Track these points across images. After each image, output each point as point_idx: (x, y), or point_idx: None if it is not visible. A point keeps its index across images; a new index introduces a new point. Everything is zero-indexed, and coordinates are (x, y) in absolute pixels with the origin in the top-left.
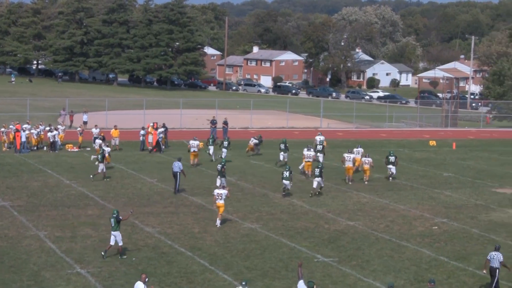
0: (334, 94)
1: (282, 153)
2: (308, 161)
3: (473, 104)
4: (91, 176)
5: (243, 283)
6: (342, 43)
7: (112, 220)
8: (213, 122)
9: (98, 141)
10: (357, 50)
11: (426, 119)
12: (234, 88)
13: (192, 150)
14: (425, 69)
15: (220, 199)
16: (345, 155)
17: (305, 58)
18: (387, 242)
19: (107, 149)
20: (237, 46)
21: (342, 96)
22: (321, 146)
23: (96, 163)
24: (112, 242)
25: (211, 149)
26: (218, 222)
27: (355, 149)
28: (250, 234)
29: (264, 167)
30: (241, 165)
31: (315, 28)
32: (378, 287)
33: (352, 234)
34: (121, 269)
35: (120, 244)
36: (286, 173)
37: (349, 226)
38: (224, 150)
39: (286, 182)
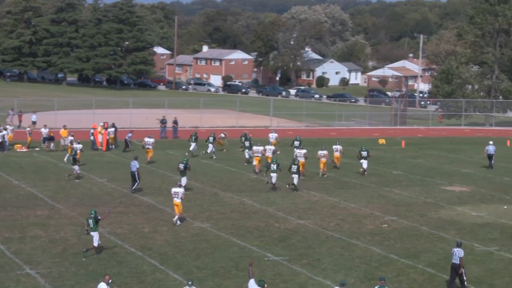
0: (283, 93)
1: (247, 150)
2: (257, 156)
3: (422, 103)
4: (66, 176)
5: (189, 282)
6: (292, 42)
7: (91, 220)
8: (163, 122)
9: (70, 138)
10: (306, 49)
11: (375, 118)
12: (184, 87)
13: (146, 147)
14: (374, 68)
15: (177, 197)
16: (319, 152)
17: (255, 57)
18: (337, 241)
19: (79, 146)
20: (186, 45)
21: (292, 94)
22: (299, 142)
23: (70, 164)
24: (95, 243)
25: (193, 145)
26: (177, 221)
27: (334, 146)
28: (200, 233)
29: (215, 166)
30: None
31: (265, 27)
32: (329, 285)
33: (302, 233)
34: (71, 269)
35: (95, 244)
36: (274, 166)
37: (300, 225)
38: (192, 144)
39: (273, 174)
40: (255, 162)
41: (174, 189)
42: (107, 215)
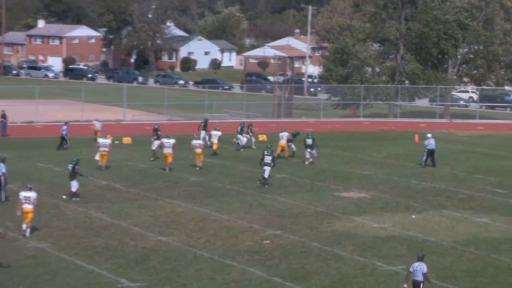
0: (140, 79)
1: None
2: (199, 151)
3: (312, 89)
4: None
5: None
6: (150, 15)
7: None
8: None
9: None
10: (168, 24)
11: (254, 108)
12: (14, 72)
13: None
14: (253, 47)
15: (28, 203)
16: (194, 142)
17: (104, 34)
18: (208, 261)
19: None
20: (17, 20)
21: (151, 81)
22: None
23: None
24: None
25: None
26: (27, 231)
27: (280, 134)
28: (37, 255)
29: (54, 170)
30: (25, 169)
31: None
32: None
33: (164, 252)
34: None
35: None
36: (269, 159)
37: (161, 243)
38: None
39: (266, 168)
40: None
41: (24, 194)
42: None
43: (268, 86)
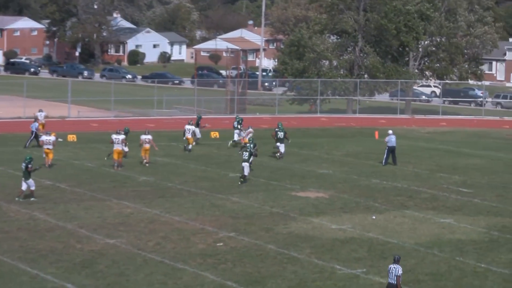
0: (85, 73)
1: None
2: (147, 146)
3: (266, 84)
4: None
5: None
6: (95, 6)
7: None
8: None
9: None
10: (115, 15)
11: (206, 104)
12: None
13: None
14: (204, 39)
15: None
16: (143, 136)
17: (47, 26)
18: (158, 265)
19: None
20: None
21: (97, 75)
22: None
23: None
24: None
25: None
26: None
27: (186, 126)
28: None
29: None
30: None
31: None
32: None
33: (112, 256)
34: None
35: None
36: (246, 155)
37: (109, 245)
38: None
39: (244, 164)
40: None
41: None
42: None
43: (220, 81)
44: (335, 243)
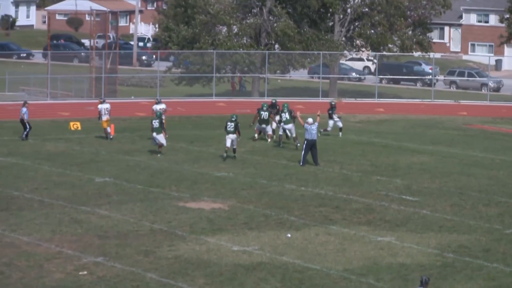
0: None
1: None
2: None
3: (144, 58)
4: None
5: None
6: None
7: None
8: None
9: None
10: None
11: (63, 85)
12: None
13: None
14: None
15: None
16: None
17: None
18: None
19: None
20: None
21: None
22: None
23: None
24: None
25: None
26: None
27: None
28: None
29: None
30: None
31: None
32: None
33: None
34: None
35: None
36: (231, 125)
37: None
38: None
39: (231, 136)
40: None
41: None
42: None
43: (83, 54)
44: (238, 271)
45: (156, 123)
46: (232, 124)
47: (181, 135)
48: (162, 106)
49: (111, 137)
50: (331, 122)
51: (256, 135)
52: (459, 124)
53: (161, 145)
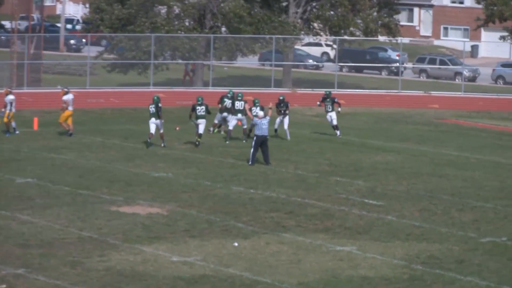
0: None
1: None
2: None
3: (72, 42)
4: None
5: None
6: None
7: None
8: None
9: None
10: None
11: None
12: None
13: None
14: None
15: None
16: None
17: None
18: None
19: None
20: None
21: None
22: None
23: None
24: None
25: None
26: None
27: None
28: None
29: None
30: None
31: None
32: None
33: None
34: None
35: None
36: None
37: None
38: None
39: (200, 121)
40: None
41: None
42: None
43: (3, 37)
44: (178, 284)
45: (152, 109)
46: (203, 107)
47: (114, 130)
48: (12, 96)
49: (71, 132)
50: (278, 120)
51: (211, 128)
52: (429, 118)
53: (162, 135)
